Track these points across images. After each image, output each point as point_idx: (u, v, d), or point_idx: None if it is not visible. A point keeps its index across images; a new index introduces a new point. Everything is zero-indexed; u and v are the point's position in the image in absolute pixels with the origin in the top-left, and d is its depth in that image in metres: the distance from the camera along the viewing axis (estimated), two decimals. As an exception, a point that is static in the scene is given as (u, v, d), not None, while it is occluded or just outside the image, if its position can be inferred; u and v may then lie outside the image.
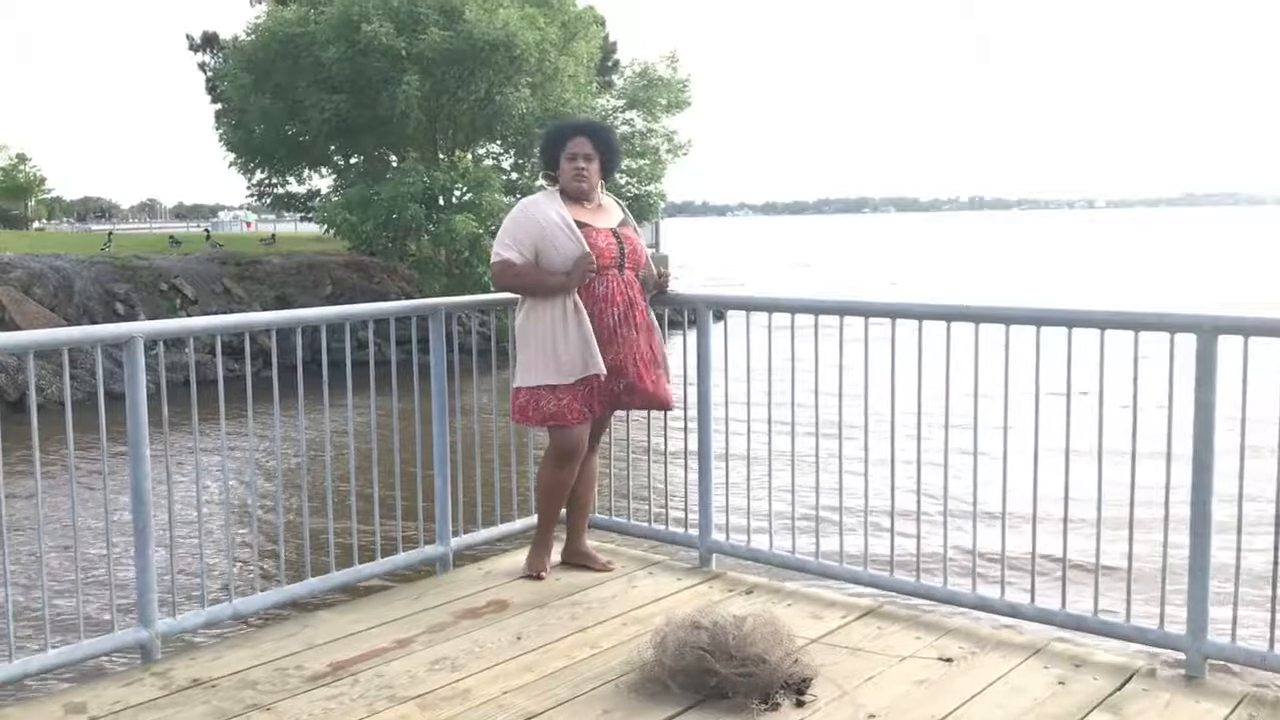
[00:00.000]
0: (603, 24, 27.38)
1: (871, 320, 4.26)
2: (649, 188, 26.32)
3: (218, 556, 8.01)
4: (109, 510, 3.86)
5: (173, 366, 14.31)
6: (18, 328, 17.49)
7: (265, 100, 24.23)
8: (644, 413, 4.69)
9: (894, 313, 4.18)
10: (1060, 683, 3.44)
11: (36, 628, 4.05)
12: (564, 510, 4.64)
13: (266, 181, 28.36)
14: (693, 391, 4.70)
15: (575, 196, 4.43)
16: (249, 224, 58.71)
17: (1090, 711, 3.25)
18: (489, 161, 26.22)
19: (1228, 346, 3.39)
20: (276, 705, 3.36)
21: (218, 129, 27.18)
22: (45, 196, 72.93)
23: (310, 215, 28.99)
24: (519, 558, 4.68)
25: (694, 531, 4.74)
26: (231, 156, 26.78)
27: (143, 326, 3.75)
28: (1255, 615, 3.92)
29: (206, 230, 42.95)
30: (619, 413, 4.63)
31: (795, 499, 4.46)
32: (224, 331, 4.05)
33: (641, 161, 25.81)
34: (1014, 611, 3.94)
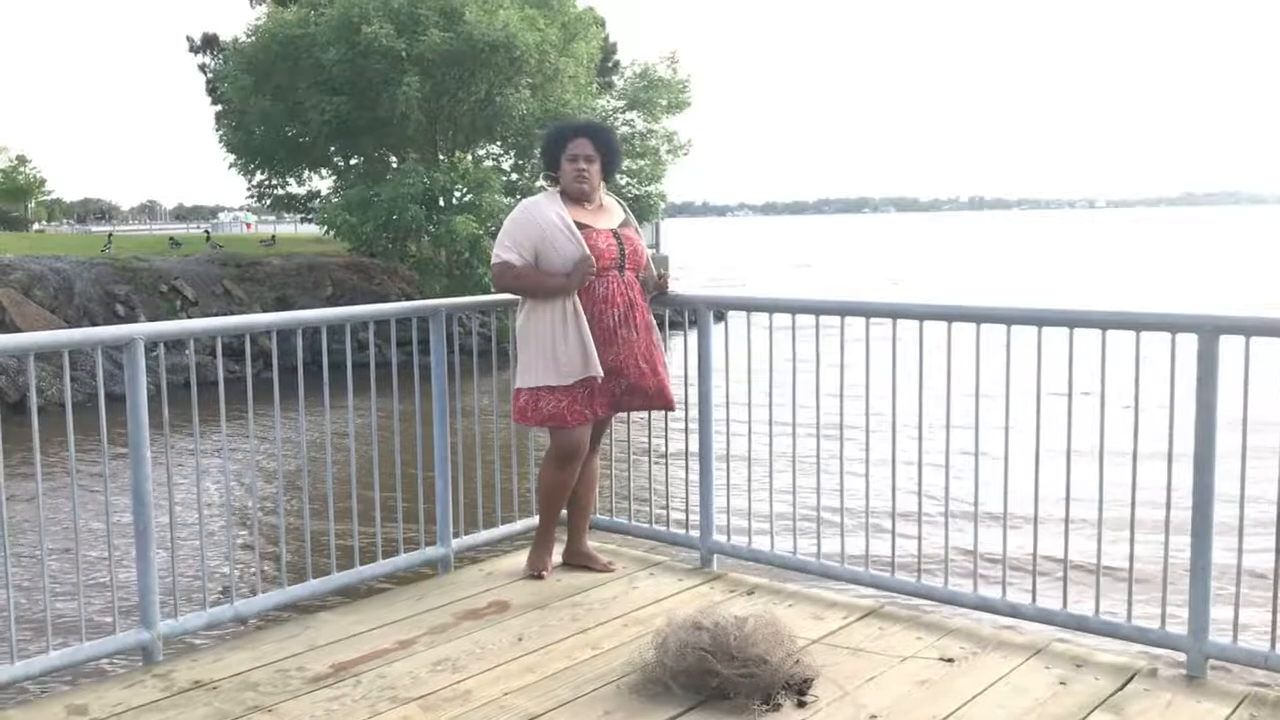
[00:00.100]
0: (603, 25, 27.39)
1: (872, 321, 4.27)
2: (649, 188, 26.30)
3: (219, 558, 8.01)
4: (110, 512, 3.86)
5: (173, 368, 14.32)
6: (18, 329, 17.51)
7: (265, 102, 24.23)
8: (644, 414, 4.69)
9: (895, 313, 4.18)
10: (1061, 683, 3.44)
11: (38, 629, 4.06)
12: (565, 511, 4.64)
13: (266, 183, 28.34)
14: (693, 392, 4.70)
15: (576, 198, 4.43)
16: (249, 225, 58.72)
17: (1092, 711, 3.25)
18: (489, 162, 26.20)
19: (1229, 347, 3.39)
20: (278, 707, 3.36)
21: (218, 130, 27.17)
22: (45, 198, 72.96)
23: (310, 216, 28.98)
24: (520, 559, 4.68)
25: (695, 532, 4.74)
26: (232, 158, 26.77)
27: (143, 328, 3.75)
28: (1257, 615, 3.92)
29: (206, 232, 42.95)
30: (619, 414, 4.63)
31: (796, 500, 4.46)
32: (225, 333, 4.04)
33: (641, 162, 25.80)
34: (1015, 612, 3.94)
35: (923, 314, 4.12)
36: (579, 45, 24.48)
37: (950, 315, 4.02)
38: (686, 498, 4.85)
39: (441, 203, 23.69)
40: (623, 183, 24.78)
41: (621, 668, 3.56)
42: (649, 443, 5.60)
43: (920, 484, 4.03)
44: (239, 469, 11.76)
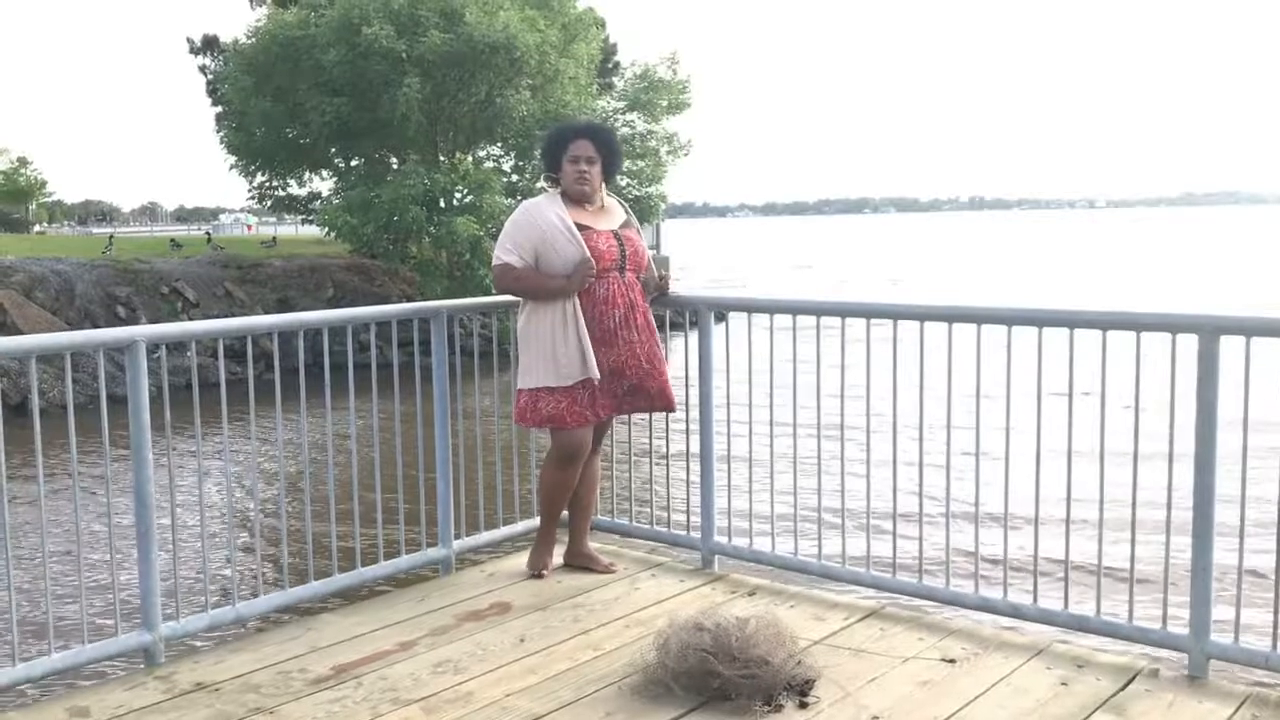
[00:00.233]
0: (603, 26, 27.38)
1: (873, 321, 4.27)
2: (649, 189, 26.30)
3: (220, 560, 8.02)
4: (111, 513, 3.87)
5: (175, 369, 14.32)
6: (19, 331, 17.51)
7: (266, 103, 24.23)
8: (645, 415, 4.69)
9: (895, 314, 4.19)
10: (1063, 683, 3.44)
11: (39, 631, 4.06)
12: (566, 512, 4.64)
13: (267, 184, 28.34)
14: (694, 393, 4.70)
15: (577, 199, 4.43)
16: (249, 227, 58.74)
17: (1093, 712, 3.25)
18: (490, 164, 26.19)
19: (1230, 347, 3.39)
20: (280, 708, 3.36)
21: (218, 132, 27.17)
22: (46, 200, 73.01)
23: (311, 218, 28.97)
24: (521, 560, 4.69)
25: (696, 533, 4.75)
26: (232, 159, 26.77)
27: (145, 330, 3.75)
28: (1258, 616, 3.92)
29: (207, 233, 42.98)
30: (620, 415, 4.63)
31: (797, 500, 4.46)
32: (226, 335, 4.05)
33: (641, 163, 25.80)
34: (1016, 612, 3.94)
35: (923, 315, 4.12)
36: (579, 46, 24.48)
37: (951, 316, 4.02)
38: (688, 499, 4.85)
39: (442, 204, 23.69)
40: (623, 184, 24.77)
41: (623, 669, 3.56)
42: (650, 444, 5.61)
43: (921, 485, 4.03)
44: (241, 471, 11.77)
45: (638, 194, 25.36)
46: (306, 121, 23.80)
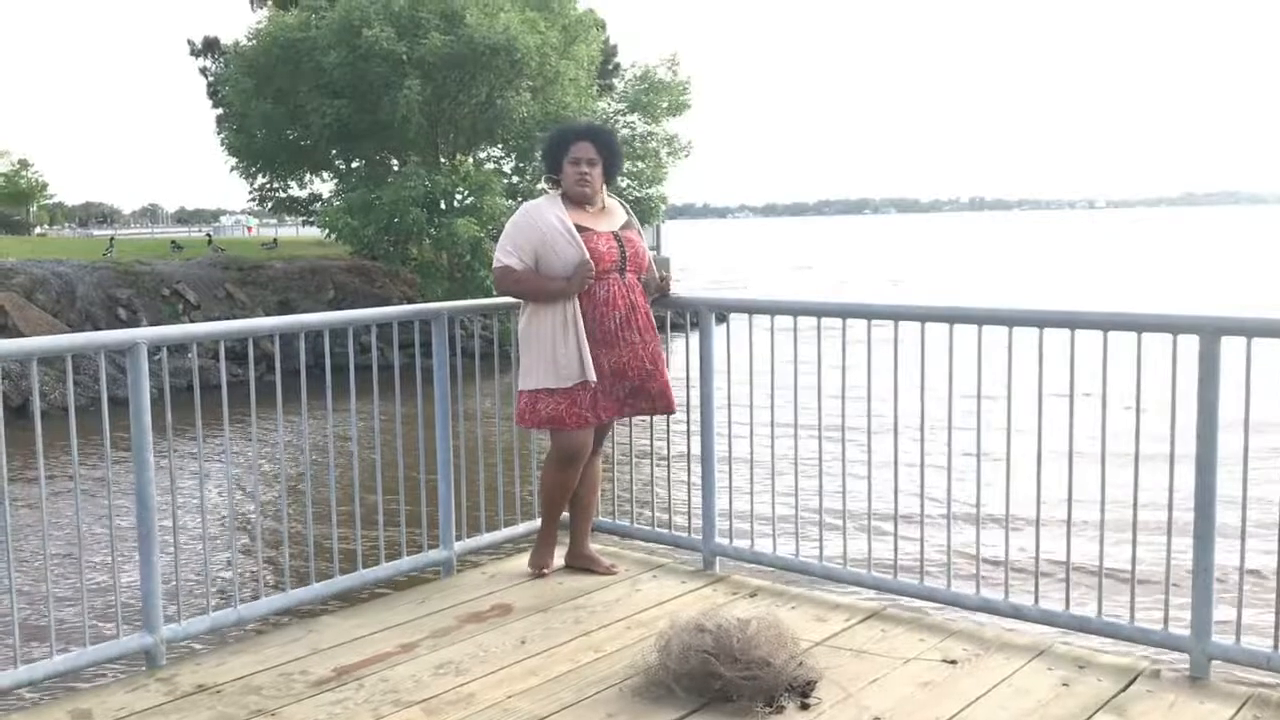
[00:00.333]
0: (603, 27, 27.38)
1: (874, 322, 4.27)
2: (650, 190, 26.30)
3: (222, 562, 8.02)
4: (113, 516, 3.87)
5: (175, 371, 14.33)
6: (20, 333, 17.52)
7: (267, 105, 24.23)
8: (646, 416, 4.69)
9: (896, 315, 4.19)
10: (1064, 684, 3.44)
11: (41, 634, 4.06)
12: (567, 513, 4.64)
13: (268, 186, 28.35)
14: (695, 394, 4.70)
15: (578, 200, 4.44)
16: (250, 229, 58.78)
17: (1095, 713, 3.25)
18: (490, 165, 26.20)
19: (1231, 348, 3.39)
20: (281, 710, 3.36)
21: (219, 134, 27.16)
22: (47, 202, 73.04)
23: (311, 219, 28.98)
24: (522, 561, 4.69)
25: (697, 535, 4.74)
26: (233, 161, 26.78)
27: (146, 332, 3.75)
28: (1260, 617, 3.92)
29: (208, 235, 42.98)
30: (621, 418, 4.62)
31: (798, 502, 4.46)
32: (227, 337, 4.05)
33: (642, 164, 25.79)
34: (1018, 613, 3.94)
35: (924, 315, 4.12)
36: (579, 48, 24.48)
37: (952, 317, 4.02)
38: (689, 500, 4.85)
39: (443, 205, 23.69)
40: (623, 185, 24.77)
41: (624, 670, 3.56)
42: (651, 445, 5.60)
43: (922, 486, 4.03)
44: (241, 473, 11.77)
45: (638, 195, 25.36)
46: (307, 123, 23.81)
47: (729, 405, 4.63)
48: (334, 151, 25.99)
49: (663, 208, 27.79)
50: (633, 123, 26.60)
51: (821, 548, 4.42)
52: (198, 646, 4.56)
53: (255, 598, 4.19)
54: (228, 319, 18.42)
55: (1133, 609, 3.68)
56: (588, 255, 4.30)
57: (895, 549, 4.20)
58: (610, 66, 29.82)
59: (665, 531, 5.01)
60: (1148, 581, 3.79)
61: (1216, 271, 42.75)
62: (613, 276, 4.38)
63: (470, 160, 25.64)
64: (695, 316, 4.74)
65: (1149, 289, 34.78)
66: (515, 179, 25.82)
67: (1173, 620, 3.61)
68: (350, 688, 3.52)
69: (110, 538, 3.81)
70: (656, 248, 31.36)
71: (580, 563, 4.64)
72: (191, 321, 19.95)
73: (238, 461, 11.97)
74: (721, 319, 4.78)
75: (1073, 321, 3.72)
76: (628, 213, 4.62)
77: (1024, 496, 3.80)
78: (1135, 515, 3.60)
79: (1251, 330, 3.38)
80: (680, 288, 4.91)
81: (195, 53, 33.15)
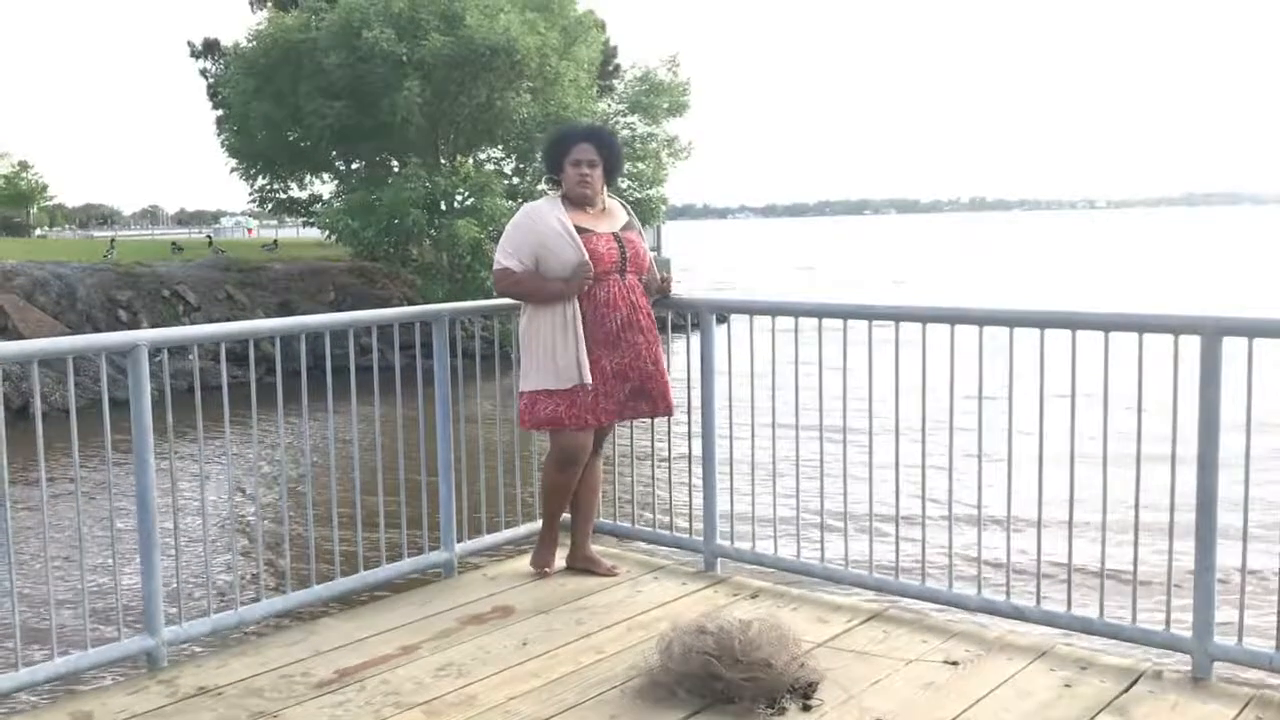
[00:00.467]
0: (603, 28, 27.37)
1: (875, 323, 4.27)
2: (650, 191, 26.29)
3: (223, 564, 8.02)
4: (114, 518, 3.87)
5: (176, 373, 14.32)
6: (21, 335, 17.52)
7: (267, 106, 24.23)
8: (647, 419, 4.68)
9: (897, 316, 4.18)
10: (1066, 685, 3.43)
11: (41, 637, 4.06)
12: (569, 515, 4.64)
13: (268, 187, 28.35)
14: (696, 395, 4.70)
15: (579, 202, 4.44)
16: (250, 230, 58.79)
17: (1097, 714, 3.25)
18: (490, 166, 26.20)
19: (1232, 349, 3.39)
20: (283, 713, 3.36)
21: (219, 135, 27.17)
22: (47, 204, 73.05)
23: (312, 221, 28.99)
24: (523, 563, 4.69)
25: (698, 536, 4.74)
26: (233, 162, 26.79)
27: (147, 334, 3.75)
28: (1262, 618, 3.92)
29: (209, 236, 43.00)
30: (622, 420, 4.62)
31: (800, 503, 4.45)
32: (228, 339, 4.05)
33: (642, 165, 25.79)
34: (1019, 614, 3.94)
35: (925, 316, 4.12)
36: (579, 49, 24.47)
37: (953, 318, 4.02)
38: (690, 501, 4.84)
39: (443, 207, 23.69)
40: (624, 186, 24.76)
41: (626, 672, 3.56)
42: (652, 447, 5.60)
43: (924, 487, 4.03)
44: (242, 474, 11.76)
45: (638, 196, 25.35)
46: (307, 124, 23.81)
47: (730, 406, 4.63)
48: (334, 153, 26.00)
49: (663, 209, 27.78)
50: (633, 124, 26.60)
51: (823, 549, 4.42)
52: (199, 649, 4.56)
53: (256, 600, 4.18)
54: (228, 320, 18.41)
55: (1135, 610, 3.67)
56: (586, 257, 4.30)
57: (897, 550, 4.20)
58: (610, 67, 29.82)
59: (666, 533, 5.00)
60: (1150, 582, 3.79)
61: (1218, 272, 42.73)
62: (613, 277, 4.38)
63: (470, 161, 25.65)
64: (696, 317, 4.73)
65: (1150, 290, 34.76)
66: (515, 180, 25.82)
67: (1175, 621, 3.61)
68: (352, 690, 3.51)
69: (111, 540, 3.81)
70: (657, 249, 31.36)
71: (581, 564, 4.64)
72: (192, 323, 19.95)
73: (238, 463, 11.97)
74: (722, 320, 4.78)
75: (1074, 322, 3.72)
76: (628, 213, 4.62)
77: (1025, 497, 3.80)
78: (1137, 516, 3.59)
79: (1253, 330, 3.38)
80: (681, 288, 4.91)
81: (195, 54, 33.14)
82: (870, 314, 4.30)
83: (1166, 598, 3.57)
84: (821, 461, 4.46)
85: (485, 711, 3.34)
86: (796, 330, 4.38)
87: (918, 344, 4.00)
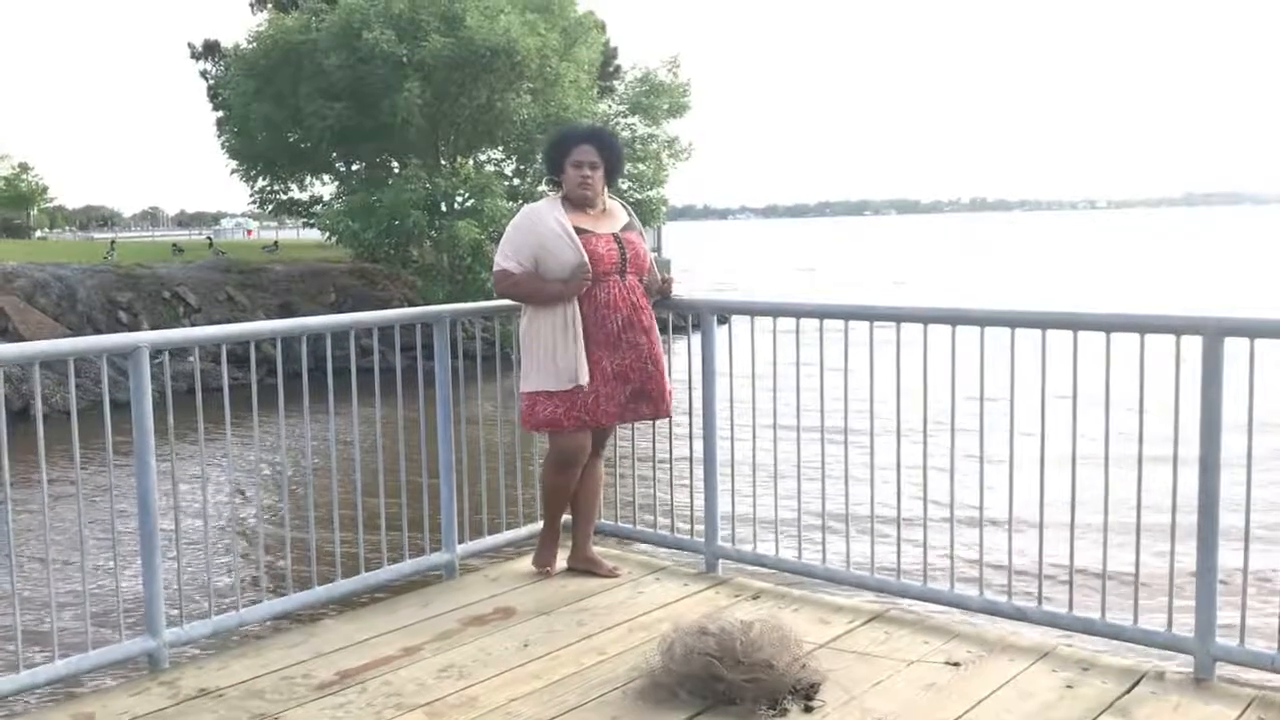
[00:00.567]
0: (603, 29, 27.39)
1: (876, 324, 4.26)
2: (650, 192, 26.30)
3: (224, 566, 8.02)
4: (115, 520, 3.86)
5: (176, 375, 14.32)
6: (21, 337, 17.53)
7: (267, 107, 24.25)
8: (647, 421, 4.68)
9: (898, 316, 4.18)
10: (1068, 686, 3.43)
11: (43, 638, 4.06)
12: (570, 516, 4.64)
13: (269, 188, 28.38)
14: (697, 396, 4.69)
15: (579, 203, 4.44)
16: (250, 231, 58.81)
17: (1099, 715, 3.24)
18: (491, 167, 26.22)
19: (1234, 349, 3.38)
20: (284, 714, 3.36)
21: (220, 136, 27.20)
22: (47, 205, 73.12)
23: (312, 222, 29.02)
24: (524, 564, 4.69)
25: (700, 538, 4.74)
26: (234, 164, 26.82)
27: (148, 336, 3.75)
28: (1264, 619, 3.91)
29: (209, 238, 43.02)
30: (623, 423, 4.61)
31: (801, 504, 4.45)
32: (229, 340, 4.05)
33: (642, 166, 25.80)
34: (1021, 615, 3.93)
35: (927, 317, 4.12)
36: (580, 50, 24.48)
37: (954, 318, 4.02)
38: (691, 503, 4.84)
39: (444, 208, 23.71)
40: (624, 187, 24.77)
41: (628, 673, 3.56)
42: (653, 448, 5.60)
43: (925, 488, 4.02)
44: (243, 476, 11.76)
45: (639, 197, 25.36)
46: (308, 126, 23.83)
47: (731, 407, 4.63)
48: (334, 154, 26.03)
49: (664, 210, 27.79)
50: (633, 125, 26.61)
51: (824, 550, 4.41)
52: (200, 650, 4.55)
53: (257, 601, 4.18)
54: (229, 322, 18.41)
55: (1136, 611, 3.67)
56: (585, 258, 4.30)
57: (898, 551, 4.20)
58: (611, 68, 29.83)
59: (667, 534, 5.00)
60: (1151, 583, 3.79)
61: (1219, 272, 42.72)
62: (613, 279, 4.38)
63: (471, 163, 25.66)
64: (697, 318, 4.73)
65: (1151, 290, 34.76)
66: (516, 181, 25.83)
67: (1177, 622, 3.60)
68: (353, 691, 3.51)
69: (112, 541, 3.81)
70: (658, 249, 31.36)
71: (582, 565, 4.64)
72: (193, 325, 19.95)
73: (239, 465, 11.97)
74: (723, 321, 4.78)
75: (1075, 323, 3.71)
76: (629, 214, 4.62)
77: (1027, 498, 3.79)
78: (1139, 517, 3.59)
79: (1255, 331, 3.38)
80: (682, 289, 4.91)
81: (196, 55, 33.18)
82: (871, 315, 4.30)
83: (1168, 598, 3.56)
84: (823, 462, 4.46)
85: (487, 713, 3.34)
86: (798, 331, 4.38)
87: (919, 345, 4.00)
